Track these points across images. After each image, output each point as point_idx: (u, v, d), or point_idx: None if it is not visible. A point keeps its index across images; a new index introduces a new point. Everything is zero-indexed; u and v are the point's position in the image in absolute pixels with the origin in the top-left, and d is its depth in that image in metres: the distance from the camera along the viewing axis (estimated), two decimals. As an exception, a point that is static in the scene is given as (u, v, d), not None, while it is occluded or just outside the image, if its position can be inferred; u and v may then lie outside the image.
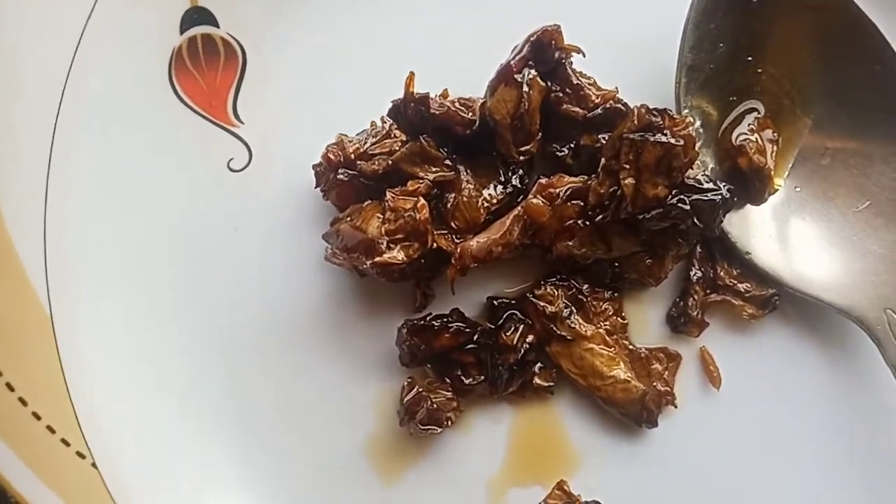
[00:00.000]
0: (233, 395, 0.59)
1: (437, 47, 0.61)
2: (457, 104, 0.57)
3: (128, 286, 0.59)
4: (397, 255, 0.52)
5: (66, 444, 0.54)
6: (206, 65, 0.60)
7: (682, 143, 0.52)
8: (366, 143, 0.57)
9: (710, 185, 0.54)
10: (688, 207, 0.54)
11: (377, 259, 0.51)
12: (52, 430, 0.54)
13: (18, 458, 0.52)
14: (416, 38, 0.61)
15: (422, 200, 0.53)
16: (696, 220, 0.54)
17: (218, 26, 0.60)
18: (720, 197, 0.54)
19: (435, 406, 0.55)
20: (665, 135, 0.52)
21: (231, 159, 0.60)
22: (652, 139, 0.52)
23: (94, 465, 0.54)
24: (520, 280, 0.60)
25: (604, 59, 0.57)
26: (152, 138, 0.59)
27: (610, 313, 0.59)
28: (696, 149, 0.54)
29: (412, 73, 0.55)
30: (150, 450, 0.57)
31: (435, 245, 0.54)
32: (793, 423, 0.59)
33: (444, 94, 0.58)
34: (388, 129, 0.57)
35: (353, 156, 0.56)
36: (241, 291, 0.60)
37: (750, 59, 0.59)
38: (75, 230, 0.57)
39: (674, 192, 0.53)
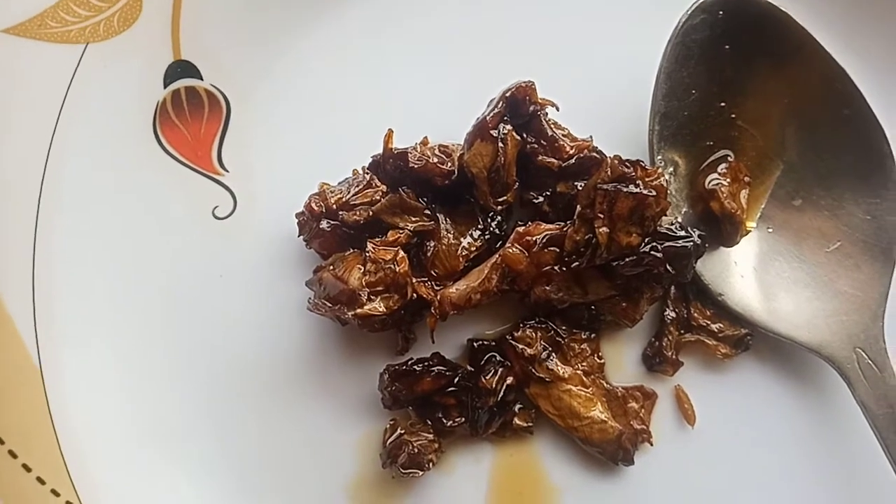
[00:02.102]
0: (219, 440, 0.60)
1: (417, 94, 0.62)
2: (437, 152, 0.58)
3: (115, 334, 0.59)
4: (378, 306, 0.53)
5: (56, 494, 0.54)
6: (191, 116, 0.61)
7: (654, 193, 0.53)
8: (348, 192, 0.57)
9: (682, 233, 0.55)
10: (660, 255, 0.55)
11: (358, 311, 0.53)
12: (42, 482, 0.54)
13: (9, 510, 0.53)
14: (397, 87, 0.63)
15: (401, 253, 0.54)
16: (668, 267, 0.55)
17: (202, 78, 0.61)
18: (692, 244, 0.55)
19: (416, 450, 0.56)
20: (637, 185, 0.53)
21: (216, 207, 0.61)
22: (625, 190, 0.53)
23: (83, 512, 0.55)
24: (499, 322, 0.61)
25: (578, 108, 0.58)
26: (138, 188, 0.60)
27: (587, 353, 0.60)
28: (668, 197, 0.55)
29: (390, 131, 0.57)
30: (138, 497, 0.58)
31: (415, 295, 0.55)
32: (766, 459, 0.60)
33: (424, 142, 0.59)
34: (369, 179, 0.58)
35: (335, 206, 0.57)
36: (226, 337, 0.60)
37: (723, 104, 0.60)
38: (63, 280, 0.58)
39: (647, 239, 0.55)
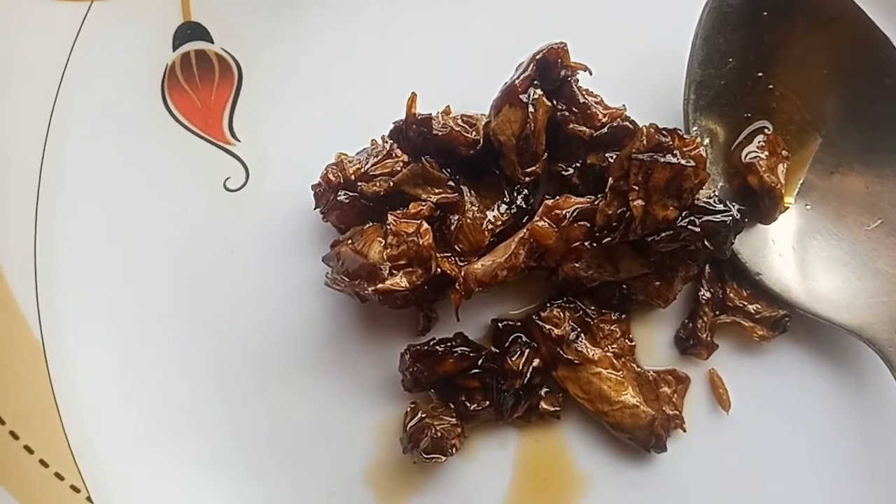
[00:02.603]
0: (230, 424, 0.58)
1: (440, 62, 0.60)
2: (460, 122, 0.55)
3: (120, 312, 0.57)
4: (400, 281, 0.50)
5: (60, 477, 0.52)
6: (201, 81, 0.58)
7: (692, 164, 0.51)
8: (367, 163, 0.55)
9: (721, 207, 0.53)
10: (698, 229, 0.52)
11: (379, 286, 0.50)
12: (45, 464, 0.52)
13: (10, 494, 0.51)
14: (419, 53, 0.60)
15: (425, 225, 0.52)
16: (706, 242, 0.53)
17: (212, 42, 0.58)
18: (731, 218, 0.53)
19: (439, 434, 0.54)
20: (675, 155, 0.51)
21: (227, 178, 0.59)
22: (662, 160, 0.51)
23: (88, 498, 0.53)
24: (525, 301, 0.59)
25: (611, 77, 0.56)
26: (145, 158, 0.58)
27: (617, 335, 0.58)
28: (707, 169, 0.53)
29: (414, 94, 0.54)
30: (145, 482, 0.55)
31: (439, 270, 0.52)
32: (804, 447, 0.58)
33: (447, 111, 0.57)
34: (389, 148, 0.55)
35: (353, 177, 0.54)
36: (237, 316, 0.58)
37: (760, 74, 0.58)
38: (66, 255, 0.56)
39: (684, 213, 0.52)
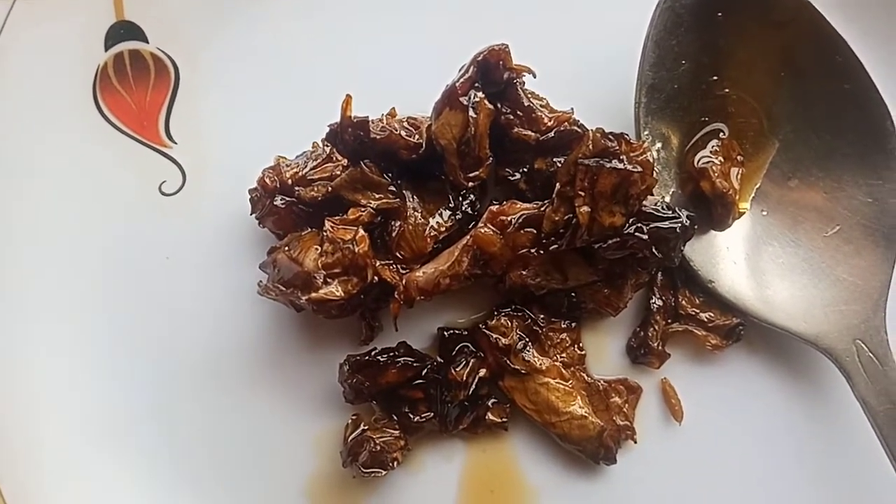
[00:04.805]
0: (165, 435, 0.56)
1: (384, 62, 0.58)
2: (404, 124, 0.54)
3: (50, 322, 0.56)
4: (335, 290, 0.49)
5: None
6: (135, 83, 0.57)
7: (639, 169, 0.50)
8: (305, 167, 0.54)
9: (670, 213, 0.52)
10: (646, 237, 0.51)
11: (313, 295, 0.49)
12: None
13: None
14: (362, 53, 0.59)
15: (361, 232, 0.50)
16: (654, 250, 0.51)
17: (147, 41, 0.57)
18: (680, 225, 0.52)
19: (379, 448, 0.52)
20: (622, 161, 0.50)
21: (163, 182, 0.58)
22: (608, 165, 0.49)
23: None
24: (472, 309, 0.57)
25: (558, 79, 0.55)
26: (76, 161, 0.56)
27: (567, 344, 0.57)
28: (656, 174, 0.52)
29: (348, 97, 0.53)
30: (78, 495, 0.54)
31: (377, 278, 0.51)
32: (758, 458, 0.56)
33: (392, 113, 0.56)
34: (329, 152, 0.54)
35: (290, 181, 0.53)
36: (172, 324, 0.57)
37: (714, 77, 0.57)
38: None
39: (631, 220, 0.51)
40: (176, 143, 0.58)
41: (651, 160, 0.50)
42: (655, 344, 0.57)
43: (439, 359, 0.56)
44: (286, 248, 0.52)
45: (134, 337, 0.56)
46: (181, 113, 0.58)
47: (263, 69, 0.58)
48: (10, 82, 0.54)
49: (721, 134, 0.57)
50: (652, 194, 0.52)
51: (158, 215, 0.57)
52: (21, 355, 0.55)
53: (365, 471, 0.52)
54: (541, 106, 0.53)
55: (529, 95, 0.53)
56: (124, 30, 0.56)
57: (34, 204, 0.56)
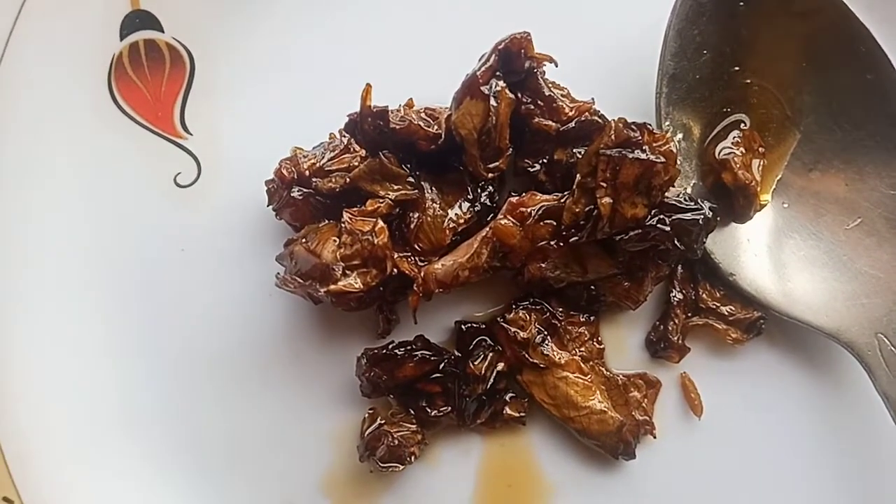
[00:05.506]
0: (182, 429, 0.56)
1: (402, 53, 0.58)
2: (422, 115, 0.53)
3: (65, 315, 0.55)
4: (354, 282, 0.48)
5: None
6: (151, 73, 0.56)
7: (662, 160, 0.49)
8: (322, 158, 0.53)
9: (692, 205, 0.51)
10: (668, 228, 0.51)
11: (332, 287, 0.48)
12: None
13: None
14: (381, 44, 0.58)
15: (380, 223, 0.49)
16: (676, 242, 0.51)
17: (163, 31, 0.56)
18: (702, 217, 0.51)
19: (396, 442, 0.52)
20: (644, 151, 0.49)
21: (178, 174, 0.57)
22: (630, 156, 0.49)
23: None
24: (490, 302, 0.57)
25: (579, 68, 0.54)
26: (91, 152, 0.56)
27: (586, 338, 0.56)
28: (678, 165, 0.51)
29: (369, 86, 0.52)
30: (95, 490, 0.53)
31: (396, 271, 0.50)
32: (778, 453, 0.56)
33: (409, 104, 0.55)
34: (346, 143, 0.53)
35: (307, 172, 0.52)
36: (188, 317, 0.56)
37: (736, 68, 0.56)
38: (7, 252, 0.54)
39: (653, 211, 0.50)
40: (191, 135, 0.57)
41: (674, 150, 0.49)
42: (675, 338, 0.56)
43: (457, 352, 0.55)
44: (304, 240, 0.51)
45: (149, 330, 0.56)
46: (197, 103, 0.57)
47: (280, 59, 0.58)
48: (25, 72, 0.53)
49: (742, 125, 0.57)
50: (674, 185, 0.51)
51: (173, 207, 0.56)
52: (35, 349, 0.55)
53: (382, 465, 0.52)
54: (562, 96, 0.53)
55: (550, 85, 0.53)
56: (140, 19, 0.56)
57: (48, 195, 0.55)
